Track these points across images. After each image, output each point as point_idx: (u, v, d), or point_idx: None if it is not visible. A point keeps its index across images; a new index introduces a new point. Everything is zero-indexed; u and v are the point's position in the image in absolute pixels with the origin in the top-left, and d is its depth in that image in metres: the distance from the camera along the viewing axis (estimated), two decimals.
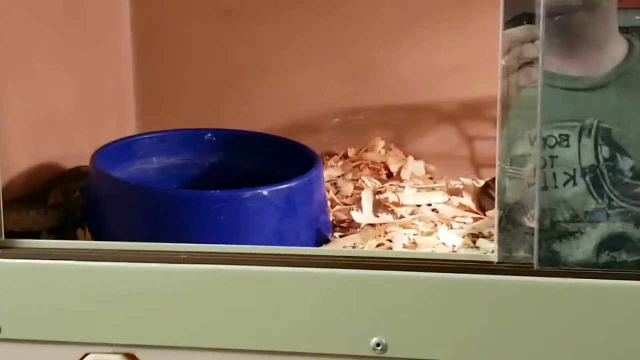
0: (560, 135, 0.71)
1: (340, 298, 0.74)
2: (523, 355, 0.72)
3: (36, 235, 0.92)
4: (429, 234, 0.94)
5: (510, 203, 0.73)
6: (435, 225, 0.97)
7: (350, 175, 1.16)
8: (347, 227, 0.99)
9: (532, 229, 0.72)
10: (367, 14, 1.22)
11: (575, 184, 0.71)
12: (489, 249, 0.89)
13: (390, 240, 0.93)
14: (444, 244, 0.92)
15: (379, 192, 1.05)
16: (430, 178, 1.17)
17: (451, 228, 0.96)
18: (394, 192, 1.05)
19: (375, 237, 0.94)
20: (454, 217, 1.00)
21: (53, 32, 1.07)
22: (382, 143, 1.23)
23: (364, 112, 1.25)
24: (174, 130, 1.10)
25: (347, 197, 1.08)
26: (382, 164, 1.18)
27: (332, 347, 0.75)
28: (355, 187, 1.10)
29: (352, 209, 1.00)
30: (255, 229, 0.90)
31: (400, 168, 1.16)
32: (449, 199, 1.04)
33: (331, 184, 1.12)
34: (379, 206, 1.01)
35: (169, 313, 0.76)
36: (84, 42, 1.15)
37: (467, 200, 1.04)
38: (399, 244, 0.92)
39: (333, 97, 1.24)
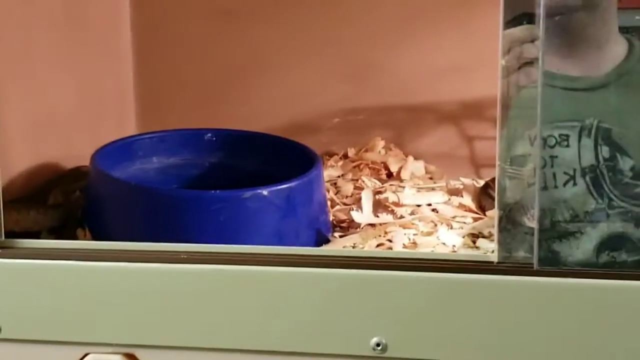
0: (560, 135, 0.71)
1: (340, 298, 0.74)
2: (523, 355, 0.72)
3: (36, 235, 0.92)
4: (429, 234, 0.94)
5: (510, 203, 0.72)
6: (435, 225, 0.97)
7: (350, 175, 1.16)
8: (347, 227, 0.99)
9: (532, 229, 0.72)
10: (367, 14, 1.22)
11: (575, 184, 0.71)
12: (489, 249, 0.89)
13: (390, 240, 0.93)
14: (444, 244, 0.92)
15: (379, 192, 1.05)
16: (430, 178, 1.16)
17: (451, 228, 0.96)
18: (394, 192, 1.05)
19: (375, 237, 0.94)
20: (454, 217, 0.99)
21: (53, 32, 1.07)
22: (382, 143, 1.22)
23: (364, 112, 1.25)
24: (174, 130, 1.09)
25: (347, 197, 1.08)
26: (382, 164, 1.18)
27: (332, 347, 0.75)
28: (355, 187, 1.10)
29: (352, 209, 1.00)
30: (255, 229, 0.90)
31: (400, 168, 1.16)
32: (449, 199, 1.04)
33: (331, 184, 1.12)
34: (379, 206, 1.01)
35: (169, 313, 0.76)
36: (84, 42, 1.15)
37: (467, 200, 1.03)
38: (399, 244, 0.92)
39: (333, 97, 1.24)
